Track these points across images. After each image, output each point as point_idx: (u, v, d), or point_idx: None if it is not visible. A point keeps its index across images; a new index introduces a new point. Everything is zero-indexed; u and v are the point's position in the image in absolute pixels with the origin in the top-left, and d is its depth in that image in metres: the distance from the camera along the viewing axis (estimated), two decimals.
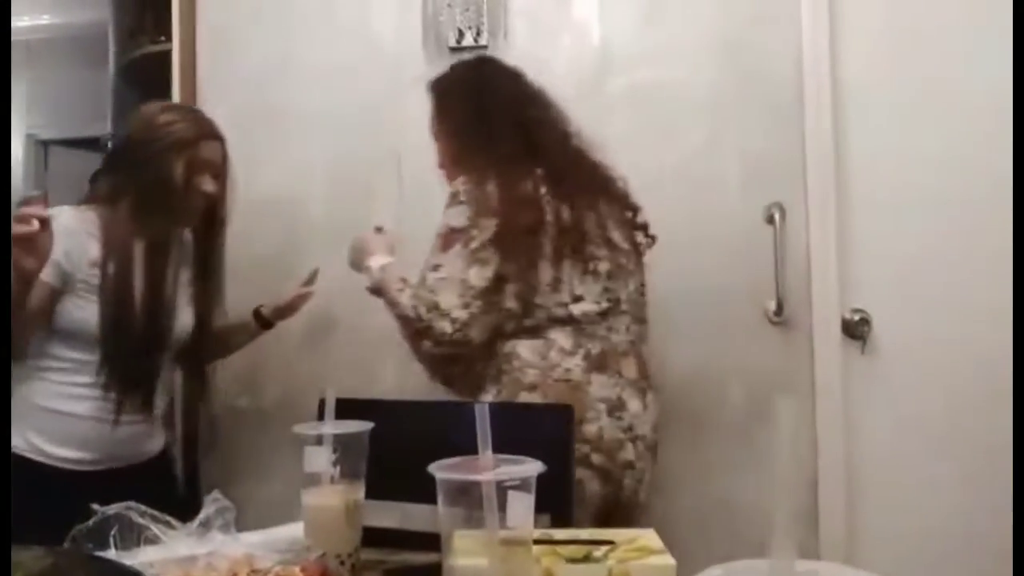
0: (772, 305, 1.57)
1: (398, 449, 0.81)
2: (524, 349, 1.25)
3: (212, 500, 0.78)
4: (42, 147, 4.10)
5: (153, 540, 0.75)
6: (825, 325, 1.58)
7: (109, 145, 2.46)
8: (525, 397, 1.22)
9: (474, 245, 1.22)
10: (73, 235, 1.30)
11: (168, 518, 0.77)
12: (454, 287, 1.21)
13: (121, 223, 1.33)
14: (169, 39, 1.91)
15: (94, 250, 1.32)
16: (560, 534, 0.75)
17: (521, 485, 0.62)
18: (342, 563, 0.79)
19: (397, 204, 1.76)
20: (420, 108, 1.75)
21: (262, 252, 1.76)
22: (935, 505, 1.55)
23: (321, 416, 0.85)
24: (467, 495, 0.62)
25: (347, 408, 0.85)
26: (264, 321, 1.60)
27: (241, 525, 0.78)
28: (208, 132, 1.41)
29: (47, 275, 1.24)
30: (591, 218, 1.28)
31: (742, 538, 1.32)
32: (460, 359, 1.26)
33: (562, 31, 1.70)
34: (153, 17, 2.06)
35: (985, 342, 1.52)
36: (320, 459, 0.81)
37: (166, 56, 1.90)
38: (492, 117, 1.33)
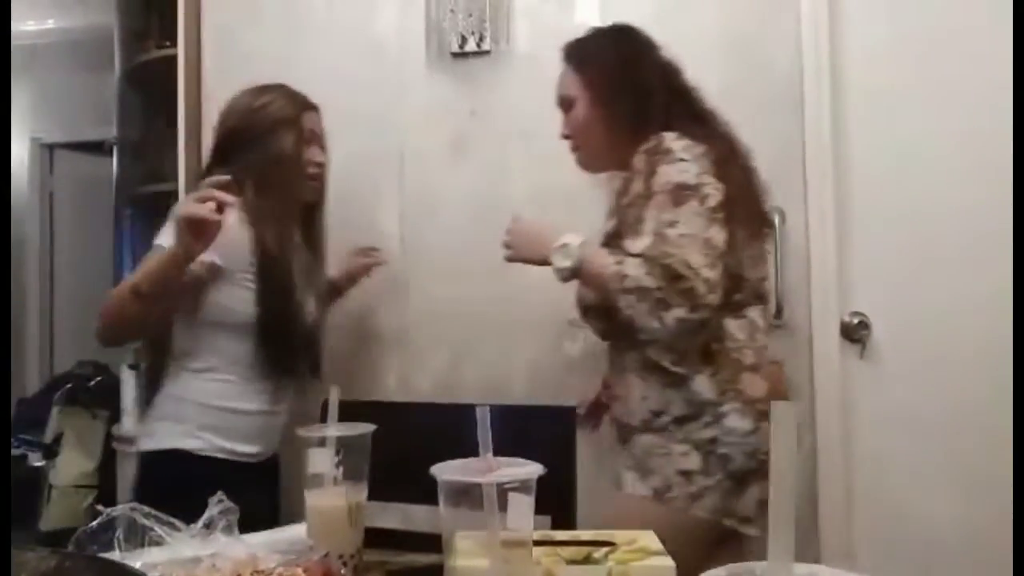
0: (771, 308, 1.58)
1: (400, 451, 0.81)
2: (732, 327, 1.17)
3: (216, 502, 0.79)
4: (47, 151, 4.13)
5: (157, 541, 0.75)
6: (824, 328, 1.59)
7: (114, 149, 2.47)
8: (748, 380, 1.16)
9: (711, 203, 1.12)
10: (231, 227, 1.26)
11: (172, 519, 0.77)
12: (697, 245, 1.09)
13: (258, 210, 1.31)
14: (174, 44, 1.92)
15: (245, 240, 1.30)
16: (560, 535, 0.76)
17: (521, 487, 0.63)
18: (345, 564, 0.80)
19: (399, 206, 1.77)
20: (423, 111, 1.77)
21: None
22: (935, 508, 1.55)
23: (324, 418, 0.86)
24: (468, 497, 0.62)
25: (350, 410, 0.86)
26: (336, 289, 1.60)
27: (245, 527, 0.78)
28: (305, 103, 1.42)
29: (203, 264, 1.22)
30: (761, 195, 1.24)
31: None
32: (700, 329, 1.13)
33: (564, 36, 1.71)
34: (158, 22, 2.07)
35: (985, 345, 1.52)
36: (323, 461, 0.81)
37: (171, 60, 1.91)
38: (660, 80, 1.26)
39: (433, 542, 0.68)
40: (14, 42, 3.71)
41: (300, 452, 0.82)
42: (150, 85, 2.14)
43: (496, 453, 0.67)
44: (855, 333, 1.61)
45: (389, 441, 0.83)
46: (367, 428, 0.83)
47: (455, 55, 1.73)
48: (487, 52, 1.71)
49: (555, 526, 0.82)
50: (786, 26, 1.61)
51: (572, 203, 1.66)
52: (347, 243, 1.78)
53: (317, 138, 1.42)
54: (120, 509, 0.77)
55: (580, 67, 1.32)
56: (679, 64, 1.31)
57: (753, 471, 1.14)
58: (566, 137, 1.35)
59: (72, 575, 0.62)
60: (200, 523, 0.76)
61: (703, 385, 1.16)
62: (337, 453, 0.81)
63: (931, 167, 1.59)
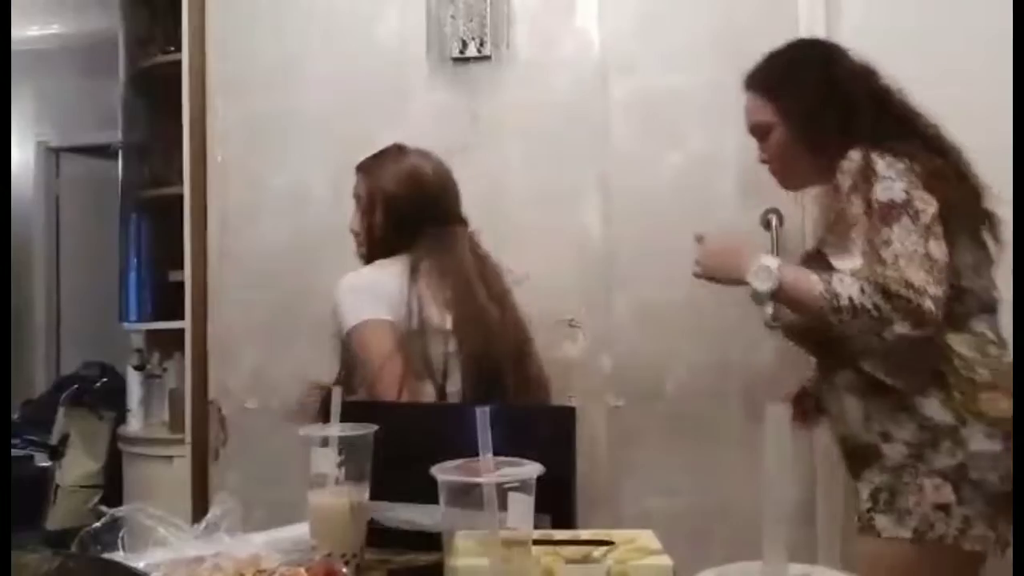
0: (769, 310, 1.58)
1: (402, 451, 0.82)
2: (957, 343, 1.11)
3: (219, 501, 0.79)
4: (53, 154, 4.15)
5: (161, 542, 0.76)
6: None
7: (119, 153, 2.49)
8: (986, 399, 1.09)
9: (925, 220, 1.08)
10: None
11: (176, 520, 0.78)
12: (917, 262, 1.05)
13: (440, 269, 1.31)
14: (178, 49, 1.93)
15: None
16: (560, 534, 0.76)
17: (521, 487, 0.63)
18: (347, 563, 0.80)
19: None
20: (424, 116, 1.78)
21: (270, 254, 1.78)
22: None
23: (327, 418, 0.87)
24: (468, 496, 0.63)
25: (352, 410, 0.86)
26: None
27: (249, 526, 0.79)
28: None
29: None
30: (983, 201, 1.19)
31: (741, 541, 1.33)
32: (921, 347, 1.08)
33: (563, 40, 1.72)
34: (163, 27, 2.09)
35: None
36: (326, 460, 0.82)
37: (176, 65, 1.93)
38: (850, 93, 1.22)
39: (434, 541, 0.69)
40: (19, 47, 3.74)
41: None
42: (155, 89, 2.16)
43: (496, 453, 0.67)
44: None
45: (391, 441, 0.84)
46: (369, 428, 0.84)
47: (456, 60, 1.74)
48: (487, 57, 1.72)
49: (555, 525, 0.82)
50: (784, 24, 1.62)
51: (573, 206, 1.67)
52: (350, 246, 1.79)
53: None
54: (124, 509, 0.77)
55: (770, 94, 1.28)
56: (873, 66, 1.26)
57: (1008, 493, 1.08)
58: (764, 162, 1.32)
59: (75, 575, 0.63)
60: (203, 523, 0.77)
61: (935, 409, 1.10)
62: (339, 453, 0.82)
63: None
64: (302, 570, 0.71)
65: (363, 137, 1.79)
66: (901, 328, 1.04)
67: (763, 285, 1.13)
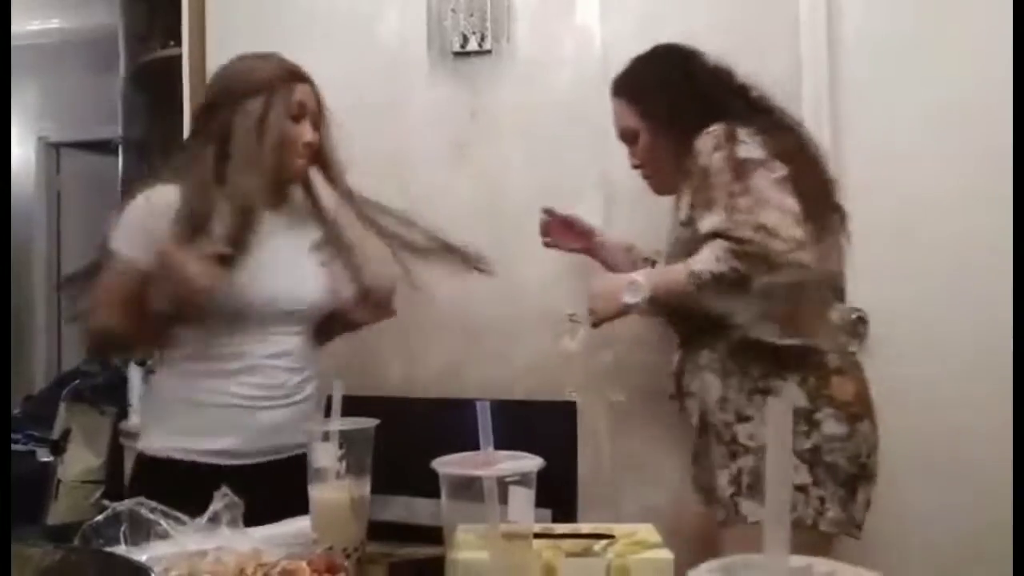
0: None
1: (403, 445, 0.82)
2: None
3: (220, 496, 0.80)
4: (54, 150, 4.15)
5: (163, 535, 0.76)
6: None
7: (120, 148, 2.49)
8: (836, 384, 1.13)
9: (779, 174, 1.10)
10: (162, 216, 1.16)
11: (178, 514, 0.78)
12: (772, 207, 1.07)
13: (226, 182, 1.19)
14: (178, 44, 1.93)
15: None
16: (560, 528, 0.77)
17: (522, 480, 0.63)
18: (348, 556, 0.81)
19: (401, 206, 1.77)
20: (424, 111, 1.77)
21: None
22: (935, 504, 1.55)
23: (328, 412, 0.87)
24: (469, 490, 0.63)
25: (353, 405, 0.87)
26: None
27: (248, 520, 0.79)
28: (296, 74, 1.27)
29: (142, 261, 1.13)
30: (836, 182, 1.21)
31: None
32: (798, 293, 1.09)
33: (564, 36, 1.71)
34: (163, 22, 2.08)
35: (986, 341, 1.52)
36: (327, 455, 0.82)
37: (176, 60, 1.93)
38: (708, 84, 1.26)
39: (435, 534, 0.69)
40: (20, 42, 3.73)
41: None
42: (155, 84, 2.16)
43: (497, 447, 0.67)
44: (854, 328, 1.61)
45: (391, 435, 0.84)
46: (370, 423, 0.84)
47: (456, 55, 1.74)
48: (488, 52, 1.72)
49: (556, 520, 0.82)
50: (784, 24, 1.61)
51: (574, 203, 1.67)
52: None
53: (309, 113, 1.27)
54: (126, 504, 0.78)
55: (632, 98, 1.32)
56: (729, 65, 1.29)
57: (856, 476, 1.13)
58: (636, 167, 1.35)
59: (76, 570, 0.63)
60: (205, 517, 0.78)
61: (793, 392, 1.13)
62: (340, 447, 0.82)
63: (930, 162, 1.59)
64: (304, 564, 0.71)
65: (363, 131, 1.79)
66: (760, 279, 1.05)
67: (635, 298, 1.17)
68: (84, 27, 3.66)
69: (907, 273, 1.59)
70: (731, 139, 1.14)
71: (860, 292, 1.61)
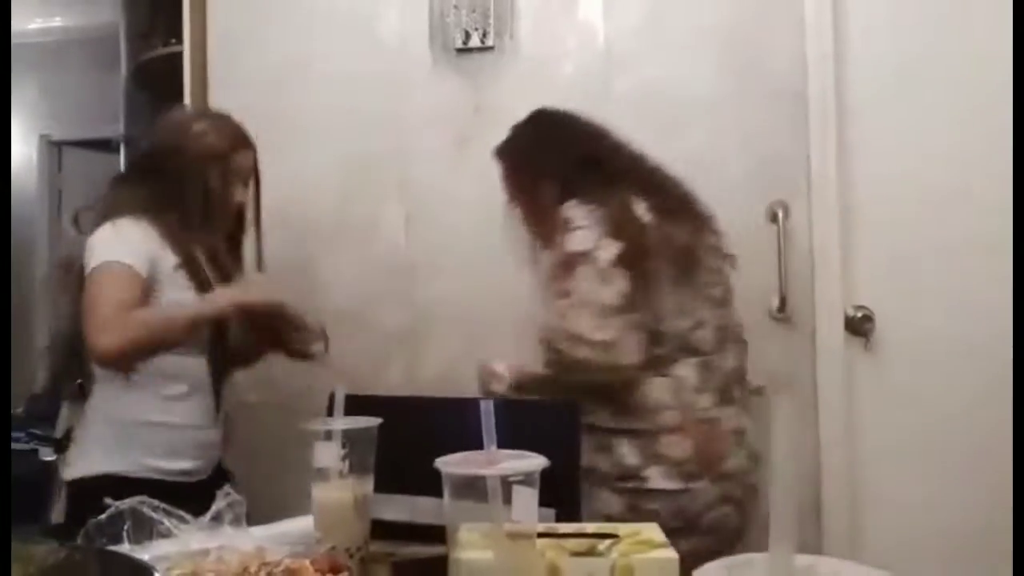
0: (775, 302, 1.58)
1: (406, 444, 0.82)
2: (655, 389, 1.19)
3: (223, 495, 0.79)
4: (55, 148, 4.15)
5: (165, 534, 0.76)
6: (828, 322, 1.59)
7: (121, 146, 2.49)
8: (668, 442, 1.17)
9: (601, 265, 1.15)
10: (148, 242, 1.29)
11: (180, 512, 0.78)
12: (588, 310, 1.13)
13: (178, 230, 1.32)
14: (180, 42, 1.93)
15: (170, 257, 1.30)
16: (564, 527, 0.76)
17: (525, 480, 0.63)
18: (351, 556, 0.80)
19: (404, 202, 1.77)
20: (427, 108, 1.77)
21: (272, 252, 1.78)
22: (938, 501, 1.55)
23: (331, 412, 0.87)
24: (473, 489, 0.63)
25: (356, 404, 0.86)
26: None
27: (253, 519, 0.79)
28: (240, 142, 1.41)
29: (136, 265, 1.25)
30: (698, 241, 1.24)
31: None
32: (605, 387, 1.17)
33: (567, 32, 1.71)
34: (164, 20, 2.08)
35: (989, 339, 1.52)
36: (329, 454, 0.82)
37: (177, 58, 1.92)
38: (568, 156, 1.30)
39: (439, 534, 0.69)
40: (22, 40, 3.73)
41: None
42: (157, 82, 2.15)
43: (500, 447, 0.67)
44: (859, 326, 1.61)
45: (394, 434, 0.84)
46: (373, 422, 0.84)
47: (459, 51, 1.73)
48: (491, 48, 1.72)
49: (560, 519, 0.82)
50: (789, 20, 1.61)
51: None
52: (353, 239, 1.79)
53: (244, 176, 1.41)
54: (129, 502, 0.77)
55: (508, 161, 1.38)
56: (604, 128, 1.34)
57: (679, 529, 1.11)
58: (525, 224, 1.38)
59: (80, 568, 0.63)
60: (208, 516, 0.77)
61: (626, 448, 1.18)
62: (343, 446, 0.82)
63: (935, 161, 1.59)
64: (307, 563, 0.71)
65: (366, 129, 1.79)
66: (570, 376, 1.15)
67: (500, 386, 1.26)
68: (86, 25, 3.66)
69: (914, 269, 1.59)
70: (568, 226, 1.19)
71: (867, 289, 1.61)
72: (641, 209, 1.22)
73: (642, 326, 1.16)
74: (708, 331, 1.22)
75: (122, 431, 1.30)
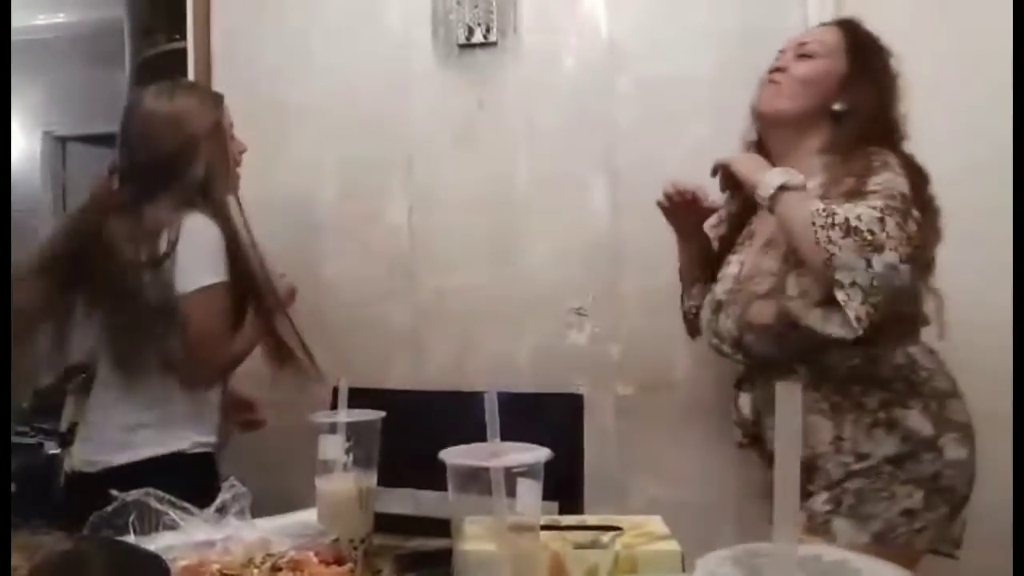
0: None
1: (409, 437, 0.82)
2: (919, 355, 1.15)
3: (228, 487, 0.80)
4: (60, 144, 4.15)
5: (171, 525, 0.76)
6: None
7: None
8: (953, 407, 1.14)
9: (914, 224, 1.09)
10: (216, 240, 1.33)
11: (185, 504, 0.78)
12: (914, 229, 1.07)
13: (225, 217, 1.35)
14: (184, 38, 1.93)
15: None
16: (567, 520, 0.77)
17: (529, 472, 0.63)
18: (355, 548, 0.81)
19: (407, 197, 1.77)
20: (430, 103, 1.77)
21: (272, 248, 1.78)
22: None
23: (335, 405, 0.87)
24: (476, 482, 0.63)
25: (360, 397, 0.87)
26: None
27: (257, 511, 0.79)
28: (217, 98, 1.44)
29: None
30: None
31: (749, 528, 1.33)
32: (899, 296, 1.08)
33: (571, 26, 1.70)
34: (168, 16, 2.08)
35: (995, 339, 1.51)
36: (334, 447, 0.82)
37: (181, 54, 1.93)
38: (891, 99, 1.24)
39: (442, 526, 0.69)
40: (26, 36, 3.73)
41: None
42: (160, 78, 2.15)
43: (503, 439, 0.67)
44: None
45: (398, 427, 0.84)
46: (376, 415, 0.84)
47: (462, 46, 1.73)
48: (494, 43, 1.71)
49: (563, 512, 0.82)
50: (793, 18, 1.60)
51: (581, 194, 1.66)
52: (356, 235, 1.79)
53: (232, 127, 1.45)
54: (134, 494, 0.78)
55: (852, 43, 1.25)
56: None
57: (967, 496, 1.13)
58: (779, 71, 1.26)
59: (87, 558, 0.63)
60: (213, 507, 0.78)
61: (917, 421, 1.12)
62: (347, 439, 0.82)
63: (938, 160, 1.58)
64: (311, 554, 0.71)
65: (369, 125, 1.79)
66: (891, 256, 1.01)
67: (776, 179, 1.12)
68: (89, 21, 3.66)
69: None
70: (888, 167, 1.13)
71: None
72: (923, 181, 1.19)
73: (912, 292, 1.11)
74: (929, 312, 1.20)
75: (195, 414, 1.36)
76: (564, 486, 0.81)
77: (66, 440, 2.99)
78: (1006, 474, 1.47)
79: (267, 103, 1.83)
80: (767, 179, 1.13)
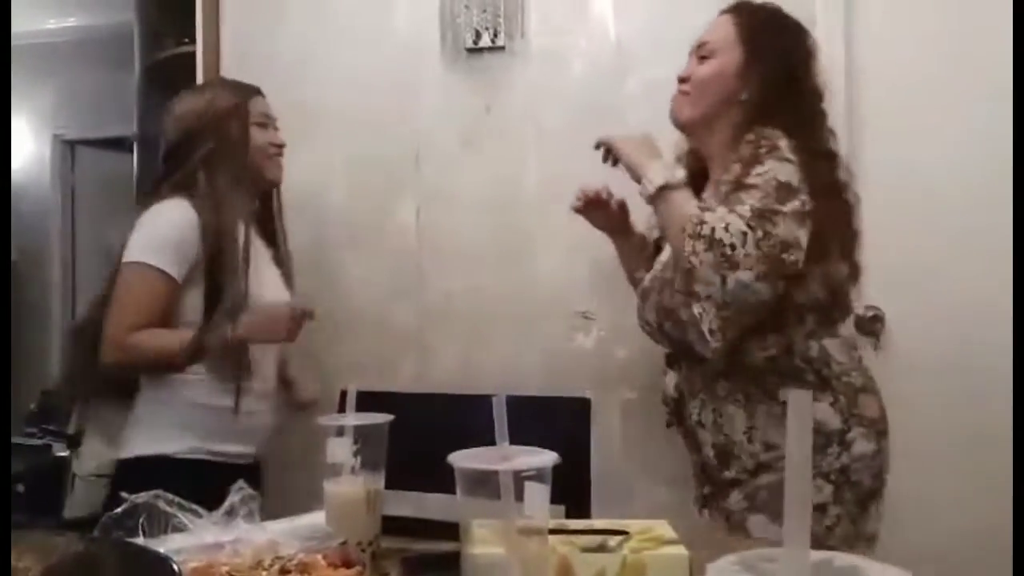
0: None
1: (417, 440, 0.82)
2: (834, 349, 1.15)
3: (237, 489, 0.80)
4: (69, 148, 4.18)
5: (180, 527, 0.77)
6: None
7: (135, 146, 2.51)
8: (864, 402, 1.14)
9: (804, 209, 1.08)
10: (187, 229, 1.31)
11: (195, 506, 0.79)
12: (796, 225, 1.06)
13: (213, 205, 1.33)
14: (193, 41, 1.94)
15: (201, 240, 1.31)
16: (575, 524, 0.77)
17: (537, 475, 0.63)
18: (363, 550, 0.81)
19: (415, 201, 1.78)
20: (438, 107, 1.78)
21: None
22: (947, 501, 1.54)
23: (343, 408, 0.87)
24: (485, 485, 0.63)
25: (367, 400, 0.87)
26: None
27: (267, 513, 0.80)
28: (249, 89, 1.44)
29: (170, 271, 1.29)
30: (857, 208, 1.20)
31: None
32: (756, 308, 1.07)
33: (579, 30, 1.71)
34: (178, 20, 2.09)
35: (999, 340, 1.51)
36: (342, 450, 0.82)
37: (190, 58, 1.94)
38: (807, 82, 1.22)
39: (450, 530, 0.69)
40: (36, 40, 3.76)
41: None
42: (170, 82, 2.16)
43: (511, 443, 0.67)
44: (869, 327, 1.60)
45: (406, 430, 0.84)
46: (384, 418, 0.85)
47: (470, 51, 1.74)
48: (502, 47, 1.72)
49: (569, 516, 0.82)
50: (800, 14, 1.60)
51: None
52: (365, 237, 1.79)
53: (271, 120, 1.45)
54: (143, 496, 0.78)
55: (744, 29, 1.23)
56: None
57: (877, 491, 1.14)
58: (683, 80, 1.26)
59: (99, 559, 0.63)
60: (222, 510, 0.78)
61: (826, 414, 1.12)
62: (355, 442, 0.82)
63: (945, 160, 1.58)
64: (319, 557, 0.71)
65: (378, 128, 1.79)
66: (745, 275, 1.01)
67: (658, 177, 1.12)
68: (99, 25, 3.68)
69: (924, 269, 1.58)
70: (775, 153, 1.10)
71: (877, 289, 1.60)
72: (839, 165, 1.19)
73: (825, 283, 1.12)
74: (857, 305, 1.21)
75: (177, 413, 1.32)
76: (571, 489, 0.81)
77: (74, 442, 3.01)
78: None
79: (275, 107, 1.83)
80: (650, 175, 1.13)
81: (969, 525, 1.51)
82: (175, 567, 0.58)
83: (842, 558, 0.47)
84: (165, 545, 0.73)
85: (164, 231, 1.31)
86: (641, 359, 1.61)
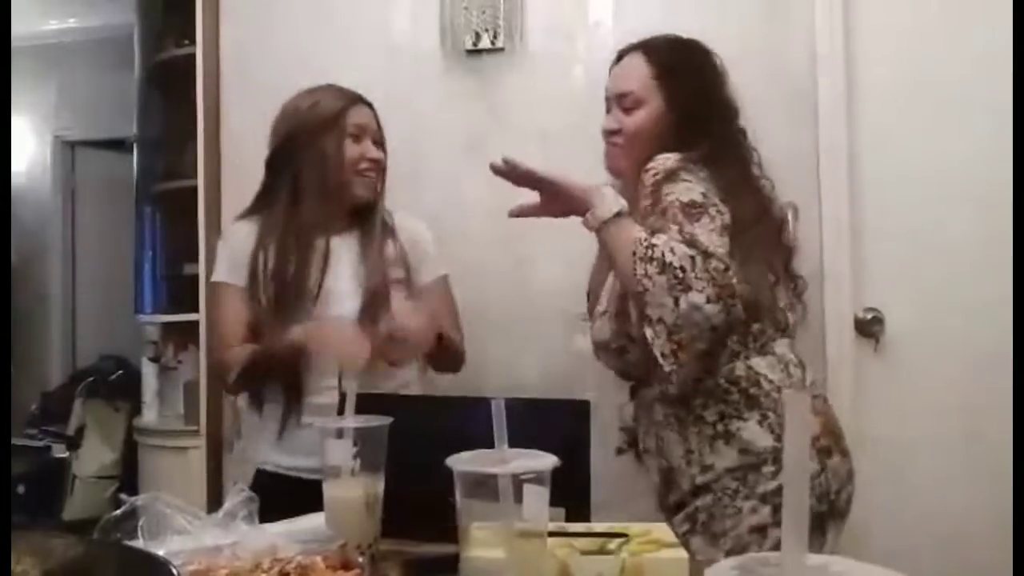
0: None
1: (416, 443, 0.82)
2: (763, 367, 1.12)
3: (236, 491, 0.80)
4: (69, 148, 4.18)
5: (180, 530, 0.77)
6: (838, 324, 1.58)
7: (135, 147, 2.51)
8: None
9: (721, 222, 1.07)
10: (249, 244, 1.30)
11: (194, 509, 0.79)
12: (720, 250, 1.04)
13: (284, 224, 1.28)
14: (193, 43, 1.94)
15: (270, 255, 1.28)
16: (574, 527, 0.77)
17: (536, 478, 0.63)
18: (362, 553, 0.81)
19: (415, 204, 1.77)
20: (438, 109, 1.78)
21: None
22: (946, 502, 1.54)
23: (342, 410, 0.87)
24: (484, 488, 0.63)
25: (367, 403, 0.87)
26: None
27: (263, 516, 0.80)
28: (352, 98, 1.35)
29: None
30: (789, 221, 1.19)
31: None
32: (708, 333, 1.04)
33: (578, 32, 1.71)
34: (178, 21, 2.10)
35: (998, 341, 1.51)
36: (341, 452, 0.82)
37: (191, 59, 1.94)
38: (717, 104, 1.23)
39: (450, 532, 0.69)
40: (37, 41, 3.77)
41: None
42: (170, 83, 2.17)
43: (510, 446, 0.67)
44: (869, 328, 1.61)
45: (405, 433, 0.84)
46: (384, 420, 0.85)
47: (469, 52, 1.74)
48: (501, 49, 1.72)
49: (569, 518, 0.82)
50: (800, 24, 1.61)
51: None
52: None
53: (369, 132, 1.35)
54: (143, 498, 0.78)
55: (661, 69, 1.23)
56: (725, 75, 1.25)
57: (825, 513, 1.10)
58: (612, 133, 1.26)
59: (98, 561, 0.63)
60: (221, 512, 0.78)
61: (755, 432, 1.10)
62: (355, 445, 0.83)
63: (945, 162, 1.58)
64: (319, 559, 0.71)
65: None
66: (697, 297, 1.01)
67: (603, 208, 1.10)
68: (101, 26, 3.69)
69: (923, 271, 1.58)
70: (672, 177, 1.11)
71: (877, 291, 1.60)
72: (756, 173, 1.19)
73: (744, 298, 1.07)
74: (794, 315, 1.18)
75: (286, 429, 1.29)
76: (571, 492, 0.81)
77: (74, 444, 3.01)
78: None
79: (275, 109, 1.83)
80: (604, 204, 1.11)
81: (966, 523, 1.52)
82: (174, 570, 0.58)
83: (839, 563, 0.48)
84: (164, 548, 0.73)
85: (239, 247, 1.30)
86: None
